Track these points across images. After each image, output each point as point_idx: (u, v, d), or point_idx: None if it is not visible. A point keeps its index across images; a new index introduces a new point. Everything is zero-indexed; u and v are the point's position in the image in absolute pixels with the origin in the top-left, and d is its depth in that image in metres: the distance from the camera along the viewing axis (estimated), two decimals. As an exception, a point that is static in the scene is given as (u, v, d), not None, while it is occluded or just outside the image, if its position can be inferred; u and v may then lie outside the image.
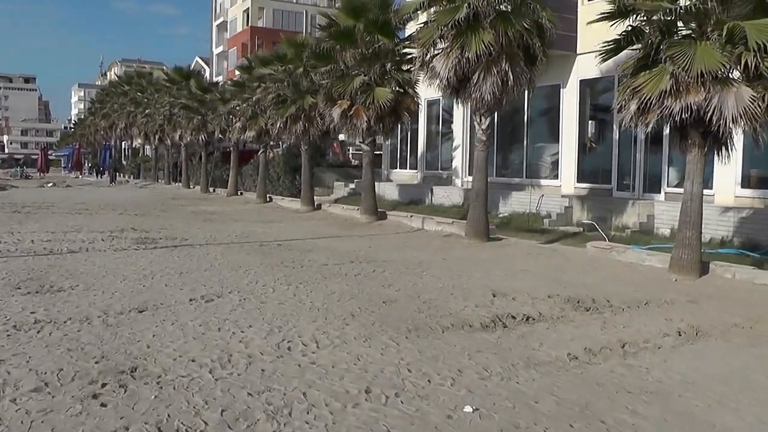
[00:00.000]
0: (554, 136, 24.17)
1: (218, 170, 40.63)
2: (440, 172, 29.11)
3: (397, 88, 20.80)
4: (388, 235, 19.06)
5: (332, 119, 21.19)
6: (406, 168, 31.53)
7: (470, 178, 26.47)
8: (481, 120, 17.10)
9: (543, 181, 24.19)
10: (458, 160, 27.64)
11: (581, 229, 20.03)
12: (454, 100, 17.89)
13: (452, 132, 28.65)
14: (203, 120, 36.75)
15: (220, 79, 59.05)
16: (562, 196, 21.98)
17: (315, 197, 27.94)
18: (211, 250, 15.30)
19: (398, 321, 9.10)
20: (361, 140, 21.91)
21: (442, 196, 26.44)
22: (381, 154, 38.30)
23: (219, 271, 12.46)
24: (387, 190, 29.46)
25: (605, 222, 20.05)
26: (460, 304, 10.27)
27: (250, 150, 42.09)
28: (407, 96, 21.07)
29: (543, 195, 22.46)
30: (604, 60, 13.01)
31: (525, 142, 25.05)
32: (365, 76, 20.55)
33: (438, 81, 16.44)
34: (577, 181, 22.90)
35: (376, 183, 30.85)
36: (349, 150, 50.51)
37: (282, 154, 34.90)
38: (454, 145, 27.89)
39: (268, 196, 30.68)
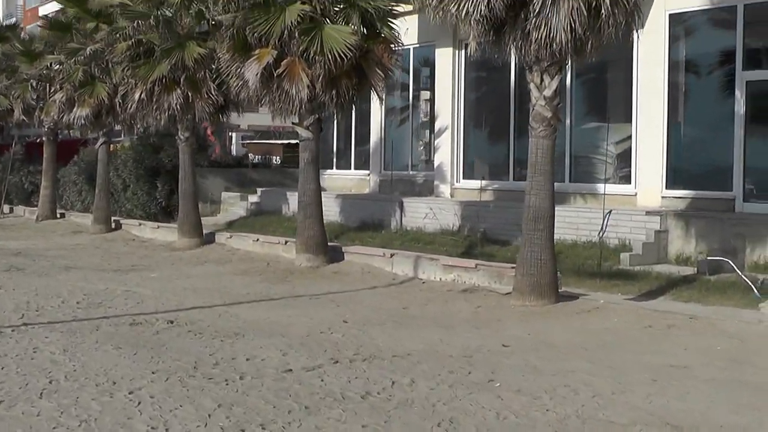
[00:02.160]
0: (621, 109, 21.35)
1: (17, 175, 36.10)
2: (411, 174, 25.97)
3: (362, 28, 17.54)
4: (362, 293, 15.74)
5: (243, 83, 17.68)
6: (348, 168, 28.24)
7: (465, 184, 23.65)
8: (542, 80, 14.02)
9: (600, 187, 21.24)
10: (445, 154, 24.55)
11: (695, 269, 17.19)
12: (486, 46, 14.64)
13: (432, 106, 25.40)
14: (-10, 91, 32.42)
15: (13, 21, 54.01)
16: (647, 213, 19.12)
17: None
18: (39, 338, 11.73)
19: None
20: (296, 121, 18.47)
21: (421, 215, 23.22)
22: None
23: (74, 398, 8.86)
24: (318, 206, 25.99)
25: (734, 256, 17.28)
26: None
27: (71, 140, 38.00)
28: (379, 40, 17.82)
29: (611, 211, 19.51)
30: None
31: (567, 121, 22.07)
32: (306, 3, 17.12)
33: (464, 12, 13.25)
34: (667, 186, 20.13)
35: (290, 194, 27.56)
36: (229, 137, 46.67)
37: (131, 147, 30.92)
38: (438, 127, 24.75)
39: (113, 219, 26.70)
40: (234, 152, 43.58)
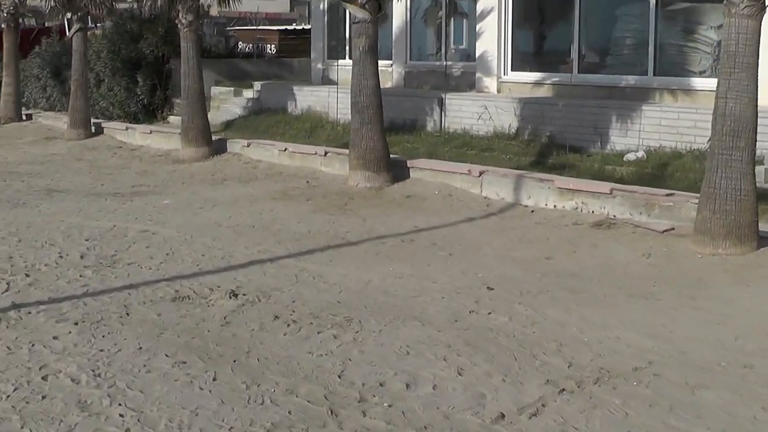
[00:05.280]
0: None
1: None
2: (446, 65, 21.07)
3: None
4: (463, 230, 11.28)
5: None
6: (363, 58, 23.16)
7: (514, 76, 19.19)
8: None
9: (697, 82, 16.74)
10: (490, 40, 19.75)
11: None
12: None
13: (472, -17, 20.50)
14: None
15: None
16: (776, 114, 14.56)
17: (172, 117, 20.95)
18: (44, 338, 7.21)
19: None
20: (349, -3, 13.68)
21: (467, 114, 18.55)
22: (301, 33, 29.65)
23: None
24: (331, 102, 21.19)
25: None
26: None
27: (29, 29, 32.45)
28: None
29: (725, 112, 14.96)
30: None
31: (652, 1, 17.40)
32: None
33: None
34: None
35: (296, 89, 22.75)
36: (200, 24, 41.02)
37: (104, 36, 25.55)
38: (481, 8, 19.86)
39: (92, 121, 21.62)
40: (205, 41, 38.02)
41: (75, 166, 16.80)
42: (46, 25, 34.61)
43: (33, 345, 6.82)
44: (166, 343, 6.84)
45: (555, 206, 11.97)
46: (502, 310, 7.75)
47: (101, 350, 6.69)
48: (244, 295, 8.16)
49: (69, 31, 22.95)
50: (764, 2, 9.65)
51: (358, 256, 9.80)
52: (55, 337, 6.99)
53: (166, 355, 6.57)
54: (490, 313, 7.68)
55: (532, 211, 11.96)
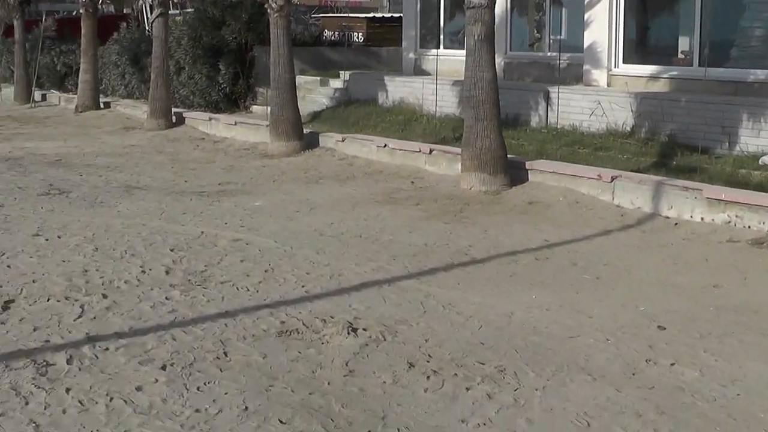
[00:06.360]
0: None
1: (48, 56, 29.44)
2: (549, 56, 19.39)
3: None
4: (599, 245, 9.65)
5: None
6: (460, 47, 21.48)
7: (626, 69, 17.61)
8: None
9: None
10: (599, 30, 18.03)
11: None
12: None
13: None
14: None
15: None
16: None
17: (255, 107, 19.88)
18: (125, 388, 5.80)
19: None
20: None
21: (575, 108, 16.88)
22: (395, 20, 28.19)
23: None
24: (426, 94, 19.65)
25: None
26: None
27: (108, 15, 31.36)
28: None
29: None
30: None
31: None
32: None
33: None
34: None
35: (387, 79, 21.24)
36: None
37: (184, 22, 24.25)
38: (589, -5, 18.13)
39: (173, 111, 20.31)
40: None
41: (155, 160, 15.43)
42: (124, 11, 33.62)
43: (111, 399, 5.38)
44: (279, 402, 5.34)
45: (702, 219, 10.28)
46: (686, 360, 6.13)
47: (197, 411, 5.22)
48: (364, 330, 6.63)
49: (148, 17, 21.74)
50: None
51: (489, 277, 8.23)
52: (138, 388, 5.53)
53: (281, 421, 5.07)
54: (673, 365, 6.07)
55: (676, 224, 10.29)
